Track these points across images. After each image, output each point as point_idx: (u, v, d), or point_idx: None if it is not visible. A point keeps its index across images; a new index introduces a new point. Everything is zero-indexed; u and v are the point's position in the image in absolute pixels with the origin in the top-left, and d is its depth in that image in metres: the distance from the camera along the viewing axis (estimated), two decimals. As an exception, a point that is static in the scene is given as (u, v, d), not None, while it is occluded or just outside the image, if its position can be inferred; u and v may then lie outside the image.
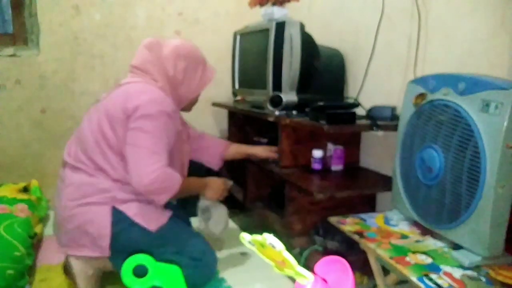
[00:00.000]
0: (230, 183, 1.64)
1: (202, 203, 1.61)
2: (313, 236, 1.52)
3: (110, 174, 1.34)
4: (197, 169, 1.70)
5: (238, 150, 1.81)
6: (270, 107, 1.69)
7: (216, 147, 1.78)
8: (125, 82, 1.44)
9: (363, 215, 1.31)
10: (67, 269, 1.37)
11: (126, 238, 1.32)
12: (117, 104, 1.35)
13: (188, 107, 1.60)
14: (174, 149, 1.43)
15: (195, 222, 1.67)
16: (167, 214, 1.41)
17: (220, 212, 1.63)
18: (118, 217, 1.32)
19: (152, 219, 1.36)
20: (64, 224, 1.35)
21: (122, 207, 1.33)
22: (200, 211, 1.62)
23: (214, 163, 1.78)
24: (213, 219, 1.61)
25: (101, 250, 1.31)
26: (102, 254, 1.32)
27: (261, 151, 1.77)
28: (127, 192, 1.34)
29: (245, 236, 0.76)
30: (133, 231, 1.33)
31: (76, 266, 1.31)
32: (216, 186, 1.57)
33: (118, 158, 1.34)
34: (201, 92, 1.56)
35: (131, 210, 1.33)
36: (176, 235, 1.40)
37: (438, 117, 1.08)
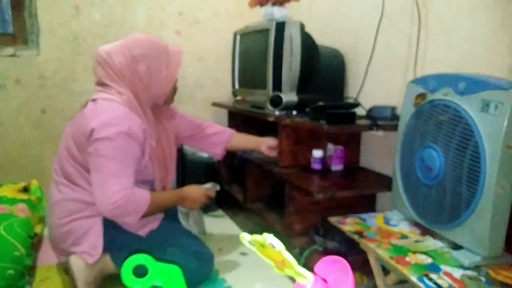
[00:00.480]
0: (216, 187, 1.62)
1: (181, 208, 1.65)
2: (313, 236, 1.52)
3: (88, 189, 1.34)
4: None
5: (242, 144, 1.75)
6: (270, 107, 1.69)
7: (219, 137, 1.72)
8: (90, 100, 1.37)
9: (363, 215, 1.31)
10: (67, 270, 1.37)
11: (119, 243, 1.36)
12: (78, 126, 1.32)
13: (169, 100, 1.51)
14: (150, 159, 1.40)
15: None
16: (158, 217, 1.44)
17: (197, 216, 1.74)
18: (109, 226, 1.34)
19: (141, 226, 1.38)
20: (59, 240, 1.38)
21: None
22: (180, 213, 1.69)
23: (215, 153, 1.74)
24: (191, 221, 1.70)
25: (94, 259, 1.33)
26: (92, 260, 1.33)
27: (265, 149, 1.70)
28: None
29: (245, 236, 0.76)
30: (125, 238, 1.36)
31: (78, 269, 1.31)
32: (193, 196, 1.50)
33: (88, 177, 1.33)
34: (176, 77, 1.45)
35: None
36: (170, 235, 1.43)
37: (438, 117, 1.08)
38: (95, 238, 1.33)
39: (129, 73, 1.33)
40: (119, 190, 1.24)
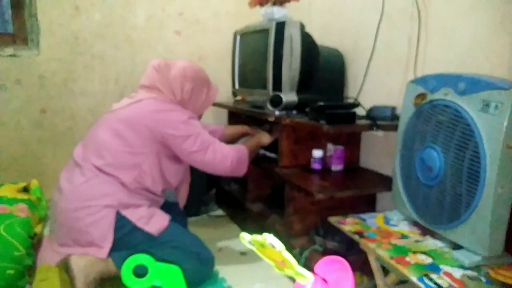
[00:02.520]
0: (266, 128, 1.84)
1: None
2: (313, 236, 1.52)
3: (120, 179, 1.39)
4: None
5: (234, 134, 1.89)
6: (270, 107, 1.69)
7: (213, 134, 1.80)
8: (141, 98, 1.51)
9: (363, 215, 1.31)
10: (66, 269, 1.37)
11: (127, 241, 1.36)
12: (144, 118, 1.44)
13: None
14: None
15: (194, 223, 1.68)
16: (167, 217, 1.46)
17: None
18: (121, 223, 1.36)
19: (154, 224, 1.40)
20: (67, 225, 1.37)
21: (125, 212, 1.37)
22: None
23: None
24: None
25: (103, 251, 1.34)
26: (101, 256, 1.34)
27: (253, 131, 1.86)
28: (132, 198, 1.40)
29: (245, 236, 0.76)
30: (135, 236, 1.37)
31: (78, 269, 1.31)
32: (264, 135, 1.75)
33: (131, 164, 1.41)
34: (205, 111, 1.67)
35: (135, 216, 1.38)
36: (174, 234, 1.43)
37: (438, 117, 1.08)
38: (107, 229, 1.34)
39: (178, 86, 1.54)
40: (229, 150, 1.52)
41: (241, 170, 1.57)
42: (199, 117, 1.66)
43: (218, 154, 1.49)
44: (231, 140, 1.86)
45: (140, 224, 1.37)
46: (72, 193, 1.38)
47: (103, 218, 1.35)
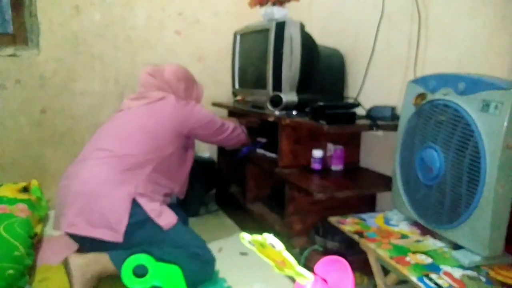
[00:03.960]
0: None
1: None
2: (313, 236, 1.52)
3: (139, 169, 1.48)
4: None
5: None
6: (270, 107, 1.69)
7: None
8: (160, 97, 1.65)
9: (363, 215, 1.31)
10: (65, 268, 1.37)
11: (137, 231, 1.39)
12: (171, 120, 1.61)
13: None
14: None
15: (194, 223, 1.68)
16: (176, 216, 1.48)
17: None
18: (135, 210, 1.40)
19: (164, 218, 1.44)
20: (82, 206, 1.39)
21: (141, 200, 1.42)
22: None
23: None
24: None
25: (115, 235, 1.37)
26: (115, 239, 1.36)
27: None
28: (148, 190, 1.47)
29: (245, 236, 0.76)
30: (145, 226, 1.40)
31: (75, 268, 1.31)
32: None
33: (152, 158, 1.52)
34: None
35: (148, 206, 1.43)
36: (179, 234, 1.45)
37: (438, 117, 1.08)
38: (123, 213, 1.38)
39: (173, 87, 1.69)
40: (234, 124, 1.80)
41: (244, 138, 1.86)
42: None
43: (231, 129, 1.77)
44: None
45: (152, 215, 1.41)
46: (89, 177, 1.43)
47: (120, 202, 1.39)
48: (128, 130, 1.57)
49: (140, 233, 1.39)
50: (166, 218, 1.44)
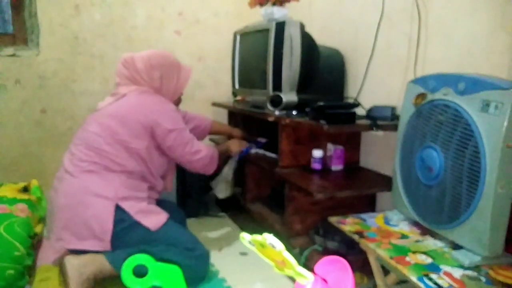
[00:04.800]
0: (252, 149, 1.92)
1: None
2: (313, 236, 1.52)
3: (116, 172, 1.43)
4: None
5: (222, 130, 2.06)
6: (270, 107, 1.69)
7: (201, 124, 1.92)
8: (125, 92, 1.55)
9: (363, 215, 1.31)
10: (61, 270, 1.38)
11: (126, 236, 1.37)
12: (131, 112, 1.49)
13: None
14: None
15: (194, 223, 1.68)
16: (166, 215, 1.47)
17: (234, 164, 1.95)
18: (121, 216, 1.38)
19: (152, 219, 1.42)
20: (66, 219, 1.39)
21: (124, 205, 1.39)
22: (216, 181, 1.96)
23: (201, 137, 1.90)
24: (227, 168, 1.95)
25: (103, 244, 1.36)
26: (104, 248, 1.36)
27: (237, 133, 2.00)
28: (130, 190, 1.43)
29: (245, 236, 0.76)
30: (134, 231, 1.38)
31: (71, 268, 1.31)
32: (235, 142, 1.86)
33: (126, 157, 1.45)
34: (183, 91, 1.70)
35: (133, 209, 1.40)
36: (171, 232, 1.45)
37: (438, 117, 1.08)
38: (106, 221, 1.36)
39: (147, 77, 1.57)
40: (204, 149, 1.61)
41: (211, 169, 1.67)
42: (178, 101, 1.72)
43: (194, 151, 1.57)
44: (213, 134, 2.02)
45: (138, 217, 1.39)
46: (70, 189, 1.41)
47: (103, 211, 1.37)
48: (94, 133, 1.47)
49: (130, 236, 1.38)
50: (154, 219, 1.42)
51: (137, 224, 1.39)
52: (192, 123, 1.87)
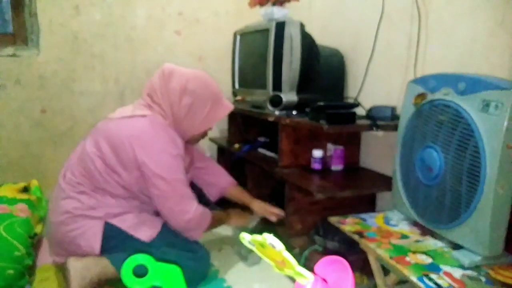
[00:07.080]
0: (281, 213, 1.63)
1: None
2: (313, 236, 1.52)
3: (104, 190, 1.37)
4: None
5: (239, 197, 1.76)
6: (270, 107, 1.69)
7: (219, 180, 1.75)
8: (131, 115, 1.39)
9: (363, 215, 1.31)
10: (63, 272, 1.38)
11: (123, 248, 1.35)
12: (123, 140, 1.33)
13: (194, 141, 1.55)
14: None
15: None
16: (160, 222, 1.44)
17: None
18: (113, 232, 1.36)
19: (145, 231, 1.39)
20: (57, 237, 1.39)
21: (115, 221, 1.36)
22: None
23: (212, 195, 1.75)
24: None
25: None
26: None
27: (258, 207, 1.69)
28: (119, 206, 1.39)
29: (245, 236, 0.76)
30: (129, 243, 1.36)
31: (74, 270, 1.31)
32: (241, 217, 1.70)
33: (116, 176, 1.36)
34: (212, 127, 1.51)
35: (124, 224, 1.37)
36: (168, 237, 1.42)
37: (438, 117, 1.08)
38: (93, 240, 1.34)
39: (174, 99, 1.38)
40: (194, 208, 1.40)
41: (195, 235, 1.44)
42: (201, 135, 1.53)
43: (179, 209, 1.38)
44: (229, 199, 1.79)
45: (131, 231, 1.36)
46: (58, 207, 1.39)
47: (90, 229, 1.35)
48: (90, 157, 1.37)
49: (124, 249, 1.35)
50: (147, 231, 1.39)
51: (131, 237, 1.36)
52: (205, 174, 1.72)
